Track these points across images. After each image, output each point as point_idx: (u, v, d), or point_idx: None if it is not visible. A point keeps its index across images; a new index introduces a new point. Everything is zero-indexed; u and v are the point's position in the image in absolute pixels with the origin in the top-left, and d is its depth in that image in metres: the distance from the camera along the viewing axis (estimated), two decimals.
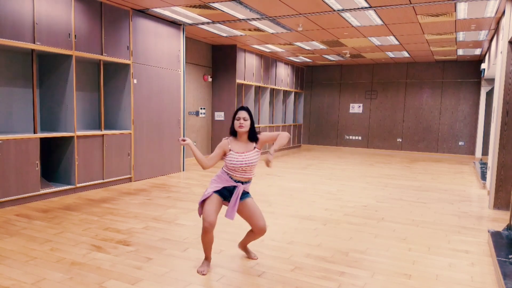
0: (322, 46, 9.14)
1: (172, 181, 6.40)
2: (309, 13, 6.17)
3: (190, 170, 7.61)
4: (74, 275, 2.72)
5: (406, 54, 10.00)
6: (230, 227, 3.84)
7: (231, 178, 2.84)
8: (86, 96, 5.99)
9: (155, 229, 3.82)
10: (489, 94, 8.67)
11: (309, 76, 13.05)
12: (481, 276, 2.88)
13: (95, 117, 6.14)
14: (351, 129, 12.48)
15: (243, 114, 2.83)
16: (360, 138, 12.37)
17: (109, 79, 6.14)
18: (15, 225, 3.86)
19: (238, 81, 9.20)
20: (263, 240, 3.52)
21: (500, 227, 4.13)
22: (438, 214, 4.68)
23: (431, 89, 11.37)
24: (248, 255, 3.11)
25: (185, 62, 8.10)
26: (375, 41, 8.29)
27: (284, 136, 2.90)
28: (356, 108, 12.35)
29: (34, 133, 4.81)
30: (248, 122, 2.83)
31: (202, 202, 2.82)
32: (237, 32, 7.78)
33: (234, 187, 2.83)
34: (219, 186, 2.83)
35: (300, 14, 6.22)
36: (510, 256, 2.99)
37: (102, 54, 5.56)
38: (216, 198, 2.81)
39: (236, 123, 2.82)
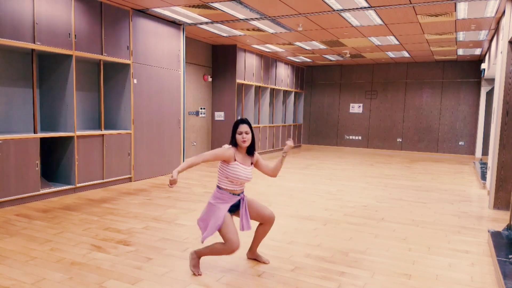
0: (322, 46, 9.14)
1: None
2: (309, 13, 6.17)
3: (190, 170, 7.61)
4: (74, 275, 2.72)
5: (406, 54, 10.00)
6: None
7: (233, 194, 2.79)
8: (86, 96, 5.99)
9: (155, 229, 3.82)
10: (489, 94, 8.67)
11: (309, 76, 13.05)
12: (481, 276, 2.88)
13: (95, 117, 6.14)
14: (351, 129, 12.48)
15: (245, 128, 2.77)
16: (360, 138, 12.37)
17: (109, 79, 6.14)
18: (15, 225, 3.86)
19: (238, 81, 9.20)
20: (262, 240, 3.51)
21: (500, 227, 4.13)
22: (438, 214, 4.68)
23: (431, 89, 11.37)
24: (260, 259, 3.04)
25: (185, 62, 8.10)
26: (375, 41, 8.29)
27: (275, 164, 2.96)
28: (356, 108, 12.35)
29: (34, 133, 4.81)
30: (250, 136, 2.79)
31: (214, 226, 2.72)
32: (237, 32, 7.78)
33: (239, 200, 2.83)
34: (227, 206, 2.75)
35: (300, 14, 6.22)
36: (510, 256, 2.98)
37: (102, 54, 5.56)
38: (229, 218, 2.74)
39: (239, 137, 2.76)
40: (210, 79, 9.25)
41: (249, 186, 5.66)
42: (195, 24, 7.14)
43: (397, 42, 8.40)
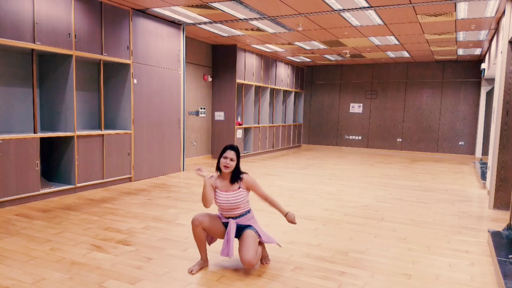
0: (322, 46, 9.15)
1: (172, 181, 6.40)
2: (309, 13, 6.17)
3: (190, 170, 7.61)
4: (74, 275, 2.72)
5: (406, 54, 10.00)
6: None
7: (222, 215, 2.88)
8: (86, 96, 5.99)
9: (155, 229, 3.82)
10: (489, 94, 8.67)
11: (309, 76, 13.05)
12: (481, 276, 2.88)
13: (95, 117, 6.14)
14: (351, 129, 12.48)
15: (230, 154, 2.81)
16: (360, 138, 12.37)
17: (109, 79, 6.14)
18: (15, 225, 3.86)
19: (238, 81, 9.19)
20: None
21: (500, 227, 4.13)
22: (438, 214, 4.68)
23: (431, 89, 11.37)
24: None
25: (185, 62, 8.10)
26: (375, 41, 8.29)
27: (276, 201, 2.92)
28: (356, 108, 12.35)
29: (34, 133, 4.81)
30: (234, 163, 2.81)
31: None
32: (237, 32, 7.78)
33: (227, 222, 2.86)
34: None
35: (300, 14, 6.22)
36: (510, 256, 2.98)
37: (102, 54, 5.56)
38: (215, 215, 2.92)
39: (222, 161, 2.81)
40: (210, 79, 9.25)
41: None
42: (195, 24, 7.14)
43: (397, 42, 8.40)
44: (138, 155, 6.34)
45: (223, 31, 7.68)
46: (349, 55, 10.26)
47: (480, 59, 10.54)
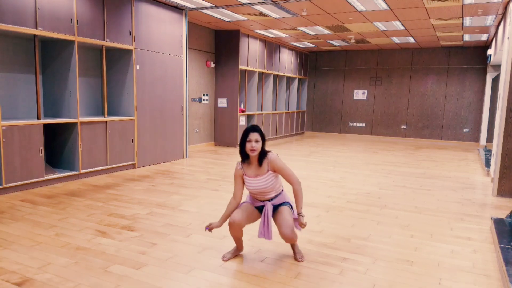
0: (326, 31, 9.04)
1: (175, 168, 6.42)
2: None
3: (194, 157, 7.63)
4: (79, 260, 2.76)
5: (411, 40, 9.87)
6: None
7: (255, 199, 2.81)
8: (89, 82, 5.97)
9: (159, 215, 3.85)
10: (495, 81, 8.58)
11: (313, 62, 12.94)
12: (483, 263, 2.89)
13: (98, 103, 6.13)
14: (355, 116, 12.42)
15: (254, 136, 2.63)
16: (364, 125, 12.31)
17: (111, 65, 6.11)
18: (20, 210, 3.90)
19: (241, 67, 9.13)
20: None
21: (503, 214, 4.13)
22: (441, 201, 4.68)
23: (436, 75, 11.25)
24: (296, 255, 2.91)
25: (188, 48, 8.05)
26: (380, 26, 8.18)
27: (300, 189, 2.72)
28: (360, 94, 12.27)
29: (38, 119, 4.82)
30: (260, 144, 2.64)
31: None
32: (240, 17, 7.69)
33: (263, 205, 2.79)
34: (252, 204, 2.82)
35: None
36: None
37: (104, 40, 5.52)
38: (247, 205, 2.80)
39: (248, 145, 2.63)
40: (213, 65, 9.19)
41: None
42: (197, 9, 7.06)
43: (402, 28, 8.28)
44: (141, 141, 6.35)
45: (226, 16, 7.60)
46: (353, 41, 10.14)
47: (487, 45, 10.39)
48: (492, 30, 8.30)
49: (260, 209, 2.82)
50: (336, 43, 10.73)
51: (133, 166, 6.26)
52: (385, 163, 7.41)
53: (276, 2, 6.41)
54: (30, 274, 2.54)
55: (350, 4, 6.39)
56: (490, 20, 7.32)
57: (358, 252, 3.02)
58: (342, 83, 12.51)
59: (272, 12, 7.14)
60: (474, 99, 10.86)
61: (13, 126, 4.50)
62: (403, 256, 2.97)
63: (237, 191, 2.76)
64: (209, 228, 2.72)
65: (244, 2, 6.47)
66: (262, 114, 10.34)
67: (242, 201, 2.84)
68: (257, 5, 6.60)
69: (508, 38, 5.09)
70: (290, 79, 12.13)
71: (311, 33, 9.25)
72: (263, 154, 2.69)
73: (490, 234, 3.55)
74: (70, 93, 5.22)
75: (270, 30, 9.08)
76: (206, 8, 6.97)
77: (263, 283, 2.48)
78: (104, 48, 5.63)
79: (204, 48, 8.92)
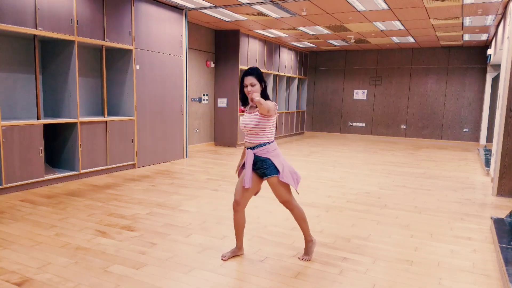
0: (326, 31, 9.03)
1: (175, 168, 6.42)
2: None
3: (194, 157, 7.63)
4: (79, 260, 2.76)
5: (411, 40, 9.87)
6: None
7: (247, 148, 2.72)
8: (89, 82, 5.97)
9: (159, 215, 3.85)
10: (495, 80, 8.58)
11: (313, 62, 12.94)
12: (483, 263, 2.89)
13: (98, 103, 6.13)
14: (355, 115, 12.42)
15: (249, 80, 2.59)
16: (364, 125, 12.31)
17: (111, 65, 6.11)
18: (20, 210, 3.90)
19: (241, 67, 9.12)
20: (266, 226, 3.54)
21: (503, 214, 4.13)
22: (441, 201, 4.68)
23: (436, 75, 11.25)
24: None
25: (188, 48, 8.05)
26: (380, 26, 8.18)
27: (268, 105, 2.54)
28: (360, 94, 12.26)
29: (38, 119, 4.81)
30: (258, 87, 2.59)
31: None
32: (240, 17, 7.69)
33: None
34: (242, 162, 2.79)
35: None
36: None
37: (104, 40, 5.52)
38: (241, 174, 2.77)
39: (246, 91, 2.63)
40: (212, 65, 9.19)
41: None
42: (197, 9, 7.06)
43: (402, 27, 8.28)
44: (141, 141, 6.35)
45: (225, 16, 7.59)
46: (353, 41, 10.14)
47: (486, 44, 10.39)
48: (492, 30, 8.30)
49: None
50: (336, 43, 10.72)
51: (133, 166, 6.26)
52: (385, 163, 7.41)
53: (276, 2, 6.41)
54: (30, 274, 2.54)
55: (350, 4, 6.39)
56: (490, 20, 7.32)
57: (358, 252, 3.02)
58: (342, 83, 12.50)
59: (272, 12, 7.14)
60: (474, 99, 10.86)
61: (13, 126, 4.50)
62: (403, 256, 2.97)
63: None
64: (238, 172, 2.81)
65: (244, 2, 6.47)
66: None
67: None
68: (257, 5, 6.60)
69: (508, 37, 5.09)
70: (290, 79, 12.13)
71: (311, 33, 9.25)
72: (265, 96, 2.66)
73: (490, 234, 3.55)
74: (70, 93, 5.22)
75: (270, 30, 9.08)
76: (206, 8, 6.97)
77: (263, 283, 2.48)
78: (104, 48, 5.63)
79: (204, 48, 8.91)
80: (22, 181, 4.65)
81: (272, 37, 10.05)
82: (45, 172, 4.96)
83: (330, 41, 10.51)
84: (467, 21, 7.49)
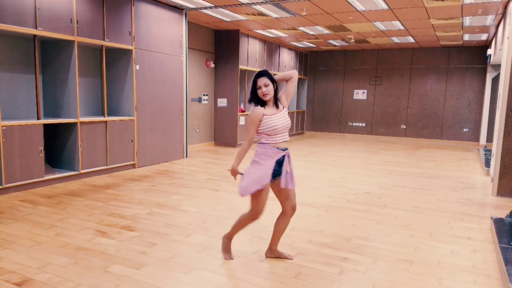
0: (326, 31, 9.03)
1: (175, 168, 6.42)
2: None
3: (193, 157, 7.63)
4: (79, 260, 2.76)
5: (411, 40, 9.87)
6: (234, 213, 3.87)
7: (278, 148, 2.60)
8: (89, 82, 5.97)
9: (159, 215, 3.85)
10: (495, 80, 8.58)
11: (313, 62, 12.94)
12: (483, 263, 2.89)
13: (98, 103, 6.13)
14: (355, 115, 12.42)
15: (262, 81, 2.59)
16: (364, 125, 12.31)
17: (111, 65, 6.11)
18: (20, 210, 3.90)
19: (241, 67, 9.12)
20: (266, 226, 3.54)
21: (503, 214, 4.13)
22: (441, 201, 4.68)
23: (436, 75, 11.25)
24: (283, 255, 2.87)
25: (188, 48, 8.04)
26: (380, 26, 8.18)
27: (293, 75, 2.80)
28: (360, 94, 12.26)
29: (38, 119, 4.81)
30: (271, 87, 2.61)
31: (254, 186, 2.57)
32: (240, 17, 7.69)
33: (283, 156, 2.62)
34: (272, 163, 2.57)
35: None
36: None
37: (104, 40, 5.52)
38: (268, 188, 2.63)
39: (259, 92, 2.60)
40: (212, 65, 9.19)
41: None
42: (197, 9, 7.06)
43: (402, 27, 8.28)
44: (141, 141, 6.35)
45: (225, 16, 7.59)
46: (353, 41, 10.14)
47: (486, 44, 10.39)
48: (492, 30, 8.30)
49: (274, 172, 2.62)
50: (336, 43, 10.72)
51: (133, 166, 6.26)
52: (385, 163, 7.41)
53: (276, 2, 6.41)
54: (30, 274, 2.54)
55: (350, 4, 6.39)
56: (490, 19, 7.32)
57: (358, 252, 3.02)
58: (342, 83, 12.50)
59: (272, 12, 7.14)
60: (474, 98, 10.86)
61: (13, 126, 4.50)
62: (403, 256, 2.97)
63: (252, 139, 2.63)
64: (234, 174, 2.68)
65: (244, 2, 6.47)
66: None
67: (267, 170, 2.60)
68: (257, 5, 6.60)
69: (508, 37, 5.10)
70: None
71: (311, 33, 9.24)
72: (277, 98, 2.69)
73: (490, 233, 3.55)
74: (70, 93, 5.22)
75: (270, 30, 9.08)
76: (206, 8, 6.97)
77: (263, 283, 2.48)
78: (104, 48, 5.63)
79: (204, 48, 8.91)
80: (22, 181, 4.65)
81: (272, 37, 10.05)
82: (45, 172, 4.96)
83: (330, 41, 10.51)
84: (467, 21, 7.49)
